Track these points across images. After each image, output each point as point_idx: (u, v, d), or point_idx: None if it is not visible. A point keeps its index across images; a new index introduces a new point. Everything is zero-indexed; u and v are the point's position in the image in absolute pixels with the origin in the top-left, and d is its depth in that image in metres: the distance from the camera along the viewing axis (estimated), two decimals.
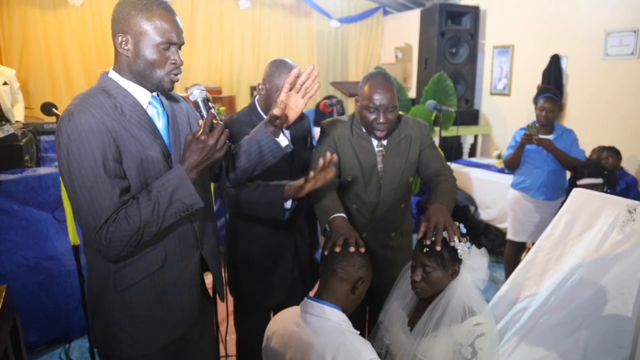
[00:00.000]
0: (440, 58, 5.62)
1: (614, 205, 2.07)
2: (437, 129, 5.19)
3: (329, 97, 5.19)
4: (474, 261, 1.66)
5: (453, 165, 5.13)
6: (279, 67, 1.89)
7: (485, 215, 4.73)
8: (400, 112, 2.08)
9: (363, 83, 1.95)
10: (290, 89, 1.55)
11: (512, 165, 3.57)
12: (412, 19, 6.47)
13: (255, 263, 2.03)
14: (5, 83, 4.69)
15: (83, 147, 1.25)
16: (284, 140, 1.60)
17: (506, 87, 5.66)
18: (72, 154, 1.25)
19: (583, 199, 2.21)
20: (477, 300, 1.64)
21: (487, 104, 5.99)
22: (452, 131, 5.34)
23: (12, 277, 2.80)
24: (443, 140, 5.44)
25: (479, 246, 4.66)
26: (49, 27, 5.74)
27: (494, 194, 4.52)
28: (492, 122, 5.93)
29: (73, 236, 2.34)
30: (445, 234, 1.64)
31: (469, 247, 1.66)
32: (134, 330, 1.43)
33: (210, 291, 1.73)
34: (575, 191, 2.27)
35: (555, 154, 3.34)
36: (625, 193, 3.92)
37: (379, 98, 1.88)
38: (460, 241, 1.64)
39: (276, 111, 1.52)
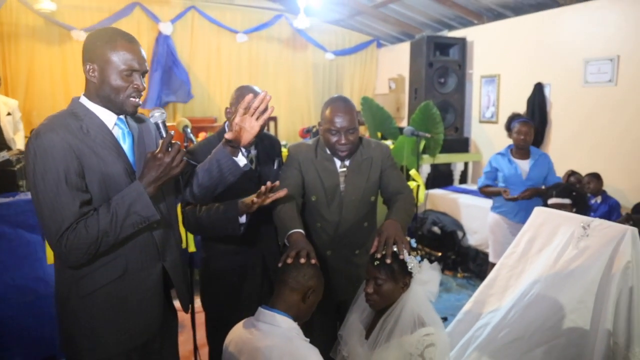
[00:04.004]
0: (429, 88, 5.79)
1: (570, 222, 2.15)
2: (425, 156, 5.33)
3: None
4: (425, 274, 1.73)
5: (441, 192, 5.23)
6: (243, 91, 2.03)
7: (472, 240, 4.80)
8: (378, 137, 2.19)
9: (325, 107, 2.07)
10: (245, 113, 1.67)
11: (487, 195, 3.76)
12: (404, 51, 6.68)
13: (224, 279, 2.12)
14: (8, 113, 4.90)
15: (47, 162, 1.38)
16: (242, 160, 1.70)
17: (494, 114, 5.80)
18: (38, 168, 1.38)
19: (543, 218, 2.30)
20: (428, 312, 1.71)
21: (476, 131, 6.12)
22: (440, 158, 5.45)
23: None
24: (433, 167, 5.56)
25: (466, 271, 4.69)
26: (54, 61, 6.02)
27: (480, 219, 4.58)
28: (482, 149, 6.05)
29: (50, 253, 2.44)
30: (395, 247, 1.72)
31: (419, 261, 1.74)
32: (94, 335, 1.52)
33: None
34: (536, 210, 2.36)
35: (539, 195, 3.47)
36: (608, 216, 3.99)
37: (339, 121, 2.00)
38: (410, 254, 1.72)
39: (229, 135, 1.64)
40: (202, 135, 5.11)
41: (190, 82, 6.60)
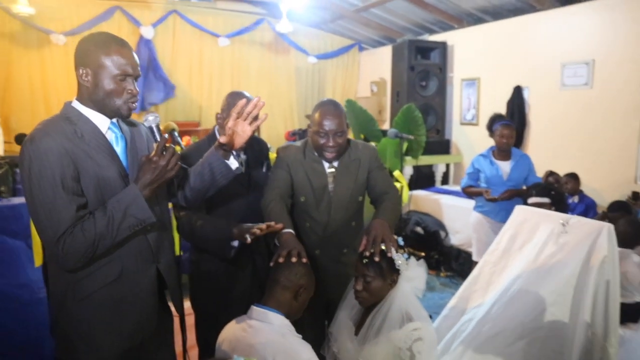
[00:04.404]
0: (411, 91, 5.89)
1: (550, 219, 2.24)
2: (407, 158, 5.41)
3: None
4: (412, 271, 1.78)
5: (424, 193, 5.32)
6: (234, 97, 2.06)
7: (455, 240, 4.89)
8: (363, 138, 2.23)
9: (314, 111, 2.12)
10: (238, 117, 1.70)
11: (470, 196, 3.86)
12: (386, 54, 6.78)
13: (215, 280, 2.14)
14: None
15: (43, 167, 1.39)
16: (233, 163, 1.74)
17: (474, 117, 5.92)
18: (34, 173, 1.39)
19: (524, 216, 2.38)
20: (415, 307, 1.76)
21: (457, 133, 6.24)
22: (422, 160, 5.54)
23: None
24: (416, 169, 5.65)
25: (449, 270, 4.76)
26: (32, 65, 5.94)
27: (462, 219, 4.67)
28: (463, 150, 6.16)
29: (38, 256, 2.42)
30: (383, 245, 1.77)
31: (407, 258, 1.79)
32: (90, 338, 1.53)
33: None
34: (517, 208, 2.44)
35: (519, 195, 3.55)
36: (584, 214, 4.11)
37: (328, 124, 2.05)
38: (397, 252, 1.77)
39: (223, 139, 1.67)
40: (186, 139, 5.10)
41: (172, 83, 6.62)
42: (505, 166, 3.70)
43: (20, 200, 3.14)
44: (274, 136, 7.35)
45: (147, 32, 6.38)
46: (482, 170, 3.77)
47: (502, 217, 3.61)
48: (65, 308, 1.52)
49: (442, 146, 6.07)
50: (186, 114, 6.89)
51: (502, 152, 3.71)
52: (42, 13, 5.77)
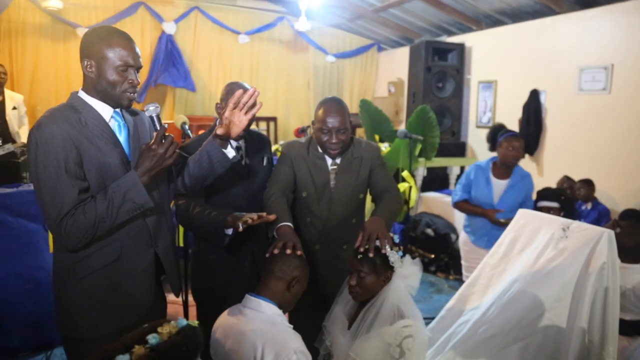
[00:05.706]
0: (427, 92, 5.87)
1: (551, 224, 2.24)
2: (421, 159, 5.41)
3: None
4: (406, 269, 1.81)
5: (435, 195, 5.32)
6: (232, 87, 2.14)
7: None
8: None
9: (318, 108, 2.16)
10: (235, 108, 1.76)
11: (466, 213, 3.36)
12: (404, 54, 6.76)
13: (215, 270, 2.20)
14: (14, 107, 5.02)
15: (48, 152, 1.48)
16: (230, 152, 1.80)
17: (490, 120, 5.88)
18: (39, 158, 1.48)
19: (525, 219, 2.38)
20: (408, 305, 1.78)
21: (473, 136, 6.20)
22: (436, 162, 5.54)
23: (0, 284, 2.97)
24: (430, 170, 5.64)
25: (458, 273, 4.69)
26: (58, 57, 6.13)
27: None
28: (478, 153, 6.12)
29: (52, 242, 2.52)
30: (378, 242, 1.80)
31: (401, 256, 1.82)
32: (90, 314, 1.62)
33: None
34: (519, 212, 2.44)
35: None
36: (597, 222, 4.06)
37: (331, 121, 2.09)
38: (392, 250, 1.80)
39: (219, 130, 1.74)
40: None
41: (193, 80, 6.73)
42: (500, 186, 3.21)
43: None
44: (290, 133, 7.41)
45: (169, 27, 6.50)
46: (475, 186, 3.27)
47: (484, 242, 3.15)
48: (67, 286, 1.61)
49: (457, 148, 6.04)
50: (204, 109, 7.00)
51: (504, 167, 3.19)
52: (69, 7, 5.96)
